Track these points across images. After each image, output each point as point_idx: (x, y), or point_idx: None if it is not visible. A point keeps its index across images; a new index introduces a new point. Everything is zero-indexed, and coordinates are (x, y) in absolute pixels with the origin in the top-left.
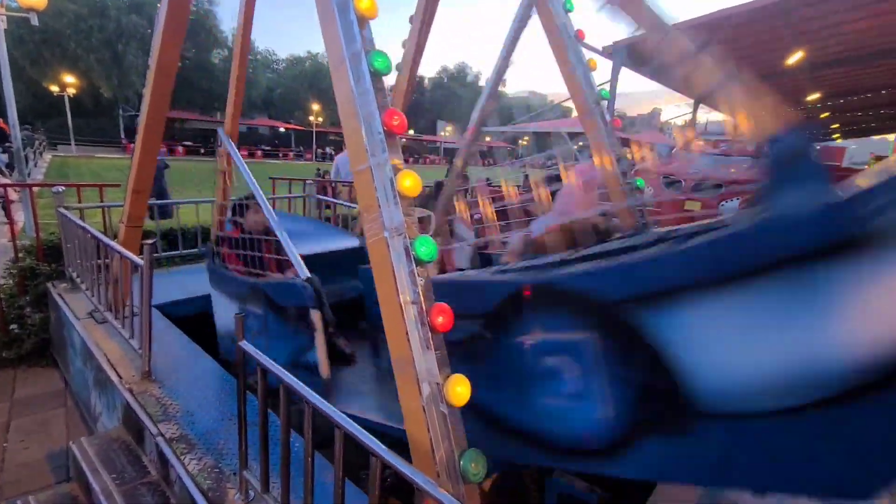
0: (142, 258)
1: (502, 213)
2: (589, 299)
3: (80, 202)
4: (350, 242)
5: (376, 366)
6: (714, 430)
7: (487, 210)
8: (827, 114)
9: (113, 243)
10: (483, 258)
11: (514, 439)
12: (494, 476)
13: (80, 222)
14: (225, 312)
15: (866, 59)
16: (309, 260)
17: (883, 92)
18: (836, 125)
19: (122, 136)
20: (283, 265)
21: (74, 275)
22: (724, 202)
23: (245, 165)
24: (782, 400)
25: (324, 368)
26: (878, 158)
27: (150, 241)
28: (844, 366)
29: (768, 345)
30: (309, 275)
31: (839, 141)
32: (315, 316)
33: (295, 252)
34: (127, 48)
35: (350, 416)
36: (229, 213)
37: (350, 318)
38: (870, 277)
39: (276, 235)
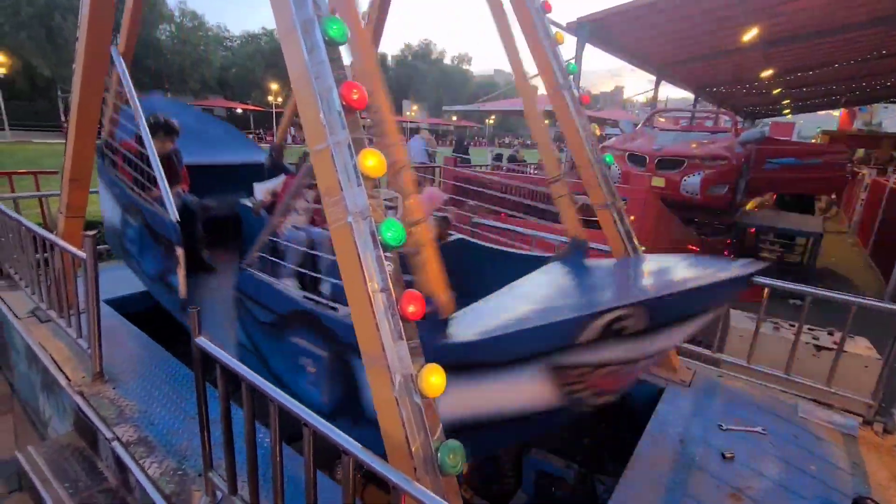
0: (84, 251)
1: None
2: (333, 335)
3: (13, 192)
4: (254, 157)
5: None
6: (370, 421)
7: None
8: (779, 90)
9: (52, 236)
10: None
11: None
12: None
13: (13, 214)
14: (110, 209)
15: (815, 35)
16: (206, 170)
17: (829, 68)
18: (787, 101)
19: (63, 119)
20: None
21: (12, 271)
22: (686, 177)
23: (134, 93)
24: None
25: (182, 290)
26: (825, 133)
27: (91, 233)
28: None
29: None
30: (177, 219)
31: (789, 116)
32: (179, 252)
33: (169, 194)
34: (63, 23)
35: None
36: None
37: (233, 230)
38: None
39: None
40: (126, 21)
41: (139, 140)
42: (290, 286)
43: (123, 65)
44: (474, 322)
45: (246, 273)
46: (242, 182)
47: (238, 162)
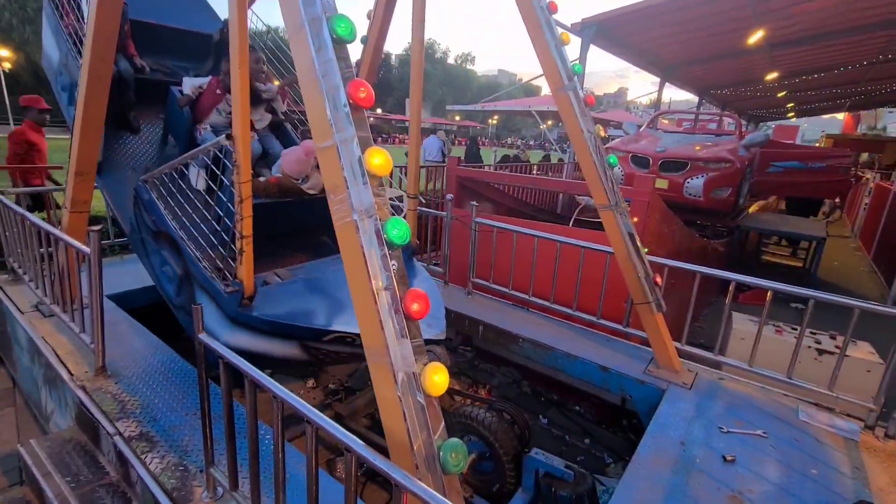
0: (88, 246)
1: None
2: (186, 265)
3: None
4: (208, 26)
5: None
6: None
7: None
8: (783, 93)
9: (56, 231)
10: None
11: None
12: (471, 458)
13: (17, 208)
14: (50, 48)
15: (822, 37)
16: (154, 29)
17: (835, 71)
18: (792, 104)
19: None
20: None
21: (16, 265)
22: (689, 180)
23: None
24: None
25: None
26: (829, 136)
27: (96, 228)
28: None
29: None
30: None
31: (793, 119)
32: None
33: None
34: None
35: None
36: None
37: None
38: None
39: None
40: None
41: None
42: (199, 178)
43: None
44: (274, 300)
45: (142, 186)
46: (190, 52)
47: (190, 29)
